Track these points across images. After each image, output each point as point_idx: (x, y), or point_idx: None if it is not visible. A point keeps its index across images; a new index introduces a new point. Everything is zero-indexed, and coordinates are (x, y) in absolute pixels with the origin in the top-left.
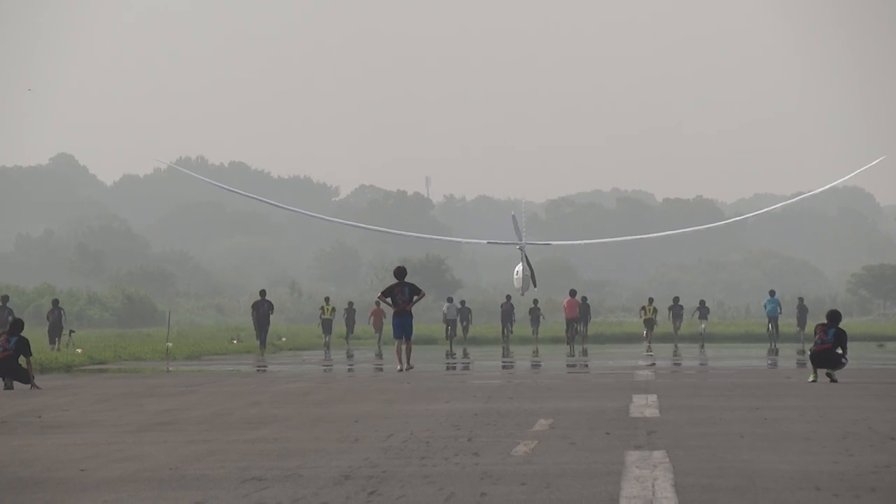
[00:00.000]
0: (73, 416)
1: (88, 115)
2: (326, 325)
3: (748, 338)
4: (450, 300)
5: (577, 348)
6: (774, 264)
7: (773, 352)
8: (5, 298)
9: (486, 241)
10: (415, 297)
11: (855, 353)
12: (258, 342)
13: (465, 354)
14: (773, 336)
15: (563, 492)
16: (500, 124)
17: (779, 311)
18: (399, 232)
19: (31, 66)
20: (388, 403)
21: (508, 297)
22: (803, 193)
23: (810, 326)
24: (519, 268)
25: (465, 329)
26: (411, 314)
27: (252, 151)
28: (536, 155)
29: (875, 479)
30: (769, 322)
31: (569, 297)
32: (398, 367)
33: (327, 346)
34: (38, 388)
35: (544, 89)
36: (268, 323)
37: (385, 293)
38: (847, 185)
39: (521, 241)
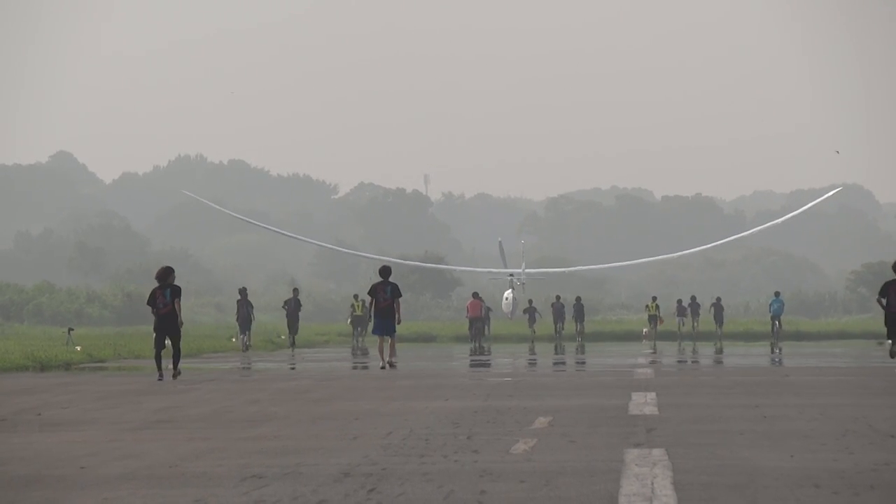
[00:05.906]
0: (72, 413)
1: (88, 113)
2: (357, 321)
3: (748, 336)
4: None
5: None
6: (774, 262)
7: (777, 349)
8: (243, 291)
9: (485, 270)
10: (396, 298)
11: (854, 351)
12: (288, 339)
13: (532, 351)
14: (777, 334)
15: (563, 490)
16: (500, 122)
17: (782, 310)
18: (410, 262)
19: (31, 65)
20: (387, 401)
21: (558, 297)
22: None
23: (727, 326)
24: (508, 293)
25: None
26: (393, 312)
27: (251, 150)
28: (535, 152)
29: (874, 476)
30: (773, 321)
31: (472, 298)
32: (381, 364)
33: (358, 341)
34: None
35: (544, 87)
36: (297, 320)
37: (369, 292)
38: (847, 183)
39: (507, 268)
